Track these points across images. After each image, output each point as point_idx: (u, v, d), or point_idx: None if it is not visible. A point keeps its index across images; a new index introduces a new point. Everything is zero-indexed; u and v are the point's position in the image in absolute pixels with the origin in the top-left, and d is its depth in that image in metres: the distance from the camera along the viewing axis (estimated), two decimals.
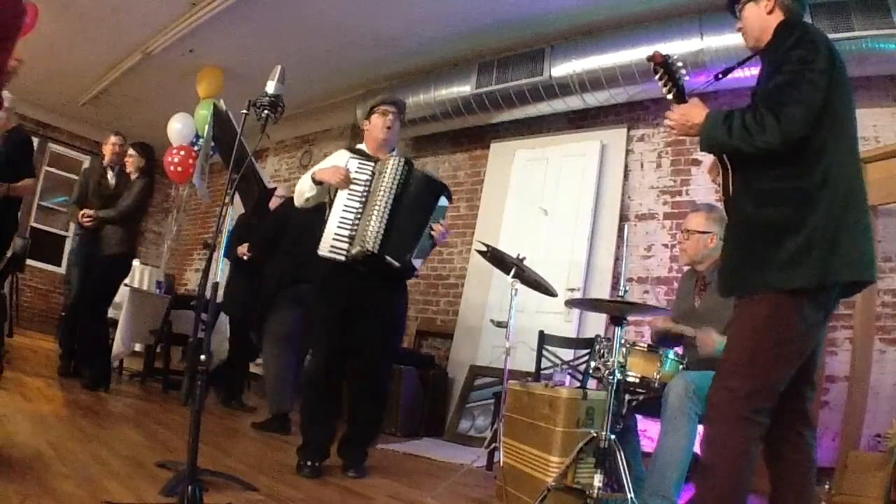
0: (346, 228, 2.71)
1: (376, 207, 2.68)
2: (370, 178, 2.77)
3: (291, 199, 3.91)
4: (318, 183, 2.77)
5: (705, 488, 1.65)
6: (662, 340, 2.66)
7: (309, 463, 2.64)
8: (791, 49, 1.65)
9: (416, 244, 2.79)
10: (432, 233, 2.83)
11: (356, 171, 2.78)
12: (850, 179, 1.66)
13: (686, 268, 2.90)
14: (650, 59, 1.85)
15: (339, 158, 2.88)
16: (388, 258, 2.67)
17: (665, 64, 1.84)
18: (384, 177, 2.73)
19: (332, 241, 2.71)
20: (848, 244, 1.59)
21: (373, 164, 2.80)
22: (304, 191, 2.83)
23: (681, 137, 1.82)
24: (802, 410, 1.75)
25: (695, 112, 1.76)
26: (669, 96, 1.86)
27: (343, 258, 2.69)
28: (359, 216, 2.72)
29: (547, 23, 4.69)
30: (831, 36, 3.40)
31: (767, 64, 1.74)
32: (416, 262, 2.83)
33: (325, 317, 2.77)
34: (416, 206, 2.77)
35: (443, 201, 2.90)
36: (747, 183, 1.73)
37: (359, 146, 2.96)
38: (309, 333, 2.98)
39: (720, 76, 2.02)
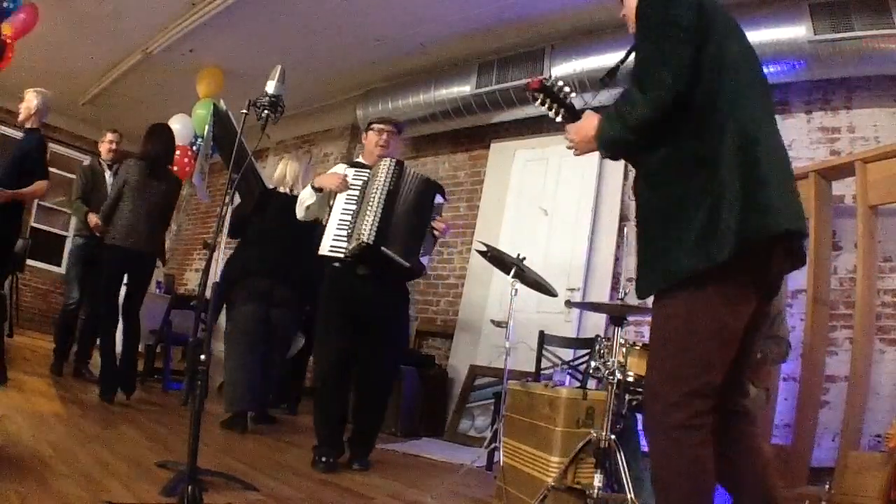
0: (345, 228, 2.87)
1: (370, 204, 2.83)
2: (366, 182, 2.94)
3: (274, 190, 3.90)
4: (317, 190, 2.96)
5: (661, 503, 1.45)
6: None
7: (324, 459, 2.78)
8: (648, 16, 1.50)
9: (421, 243, 2.95)
10: (434, 232, 3.00)
11: (353, 178, 2.97)
12: (755, 127, 1.45)
13: None
14: (527, 87, 1.71)
15: (338, 170, 3.08)
16: (384, 250, 2.79)
17: (543, 88, 1.70)
18: (377, 177, 2.90)
19: (331, 240, 2.87)
20: (766, 196, 1.37)
21: (368, 170, 2.98)
22: (304, 199, 3.01)
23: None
24: (729, 409, 1.56)
25: (588, 124, 1.60)
26: (559, 119, 1.72)
27: (342, 255, 2.83)
28: (356, 216, 2.87)
29: (547, 23, 4.69)
30: (831, 36, 3.46)
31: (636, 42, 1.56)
32: (424, 260, 2.98)
33: (333, 322, 2.91)
34: (412, 204, 2.92)
35: (438, 199, 3.05)
36: (640, 168, 1.56)
37: (357, 160, 3.17)
38: (315, 335, 3.08)
39: (606, 80, 1.88)
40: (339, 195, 2.94)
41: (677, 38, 1.42)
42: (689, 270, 1.39)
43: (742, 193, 1.36)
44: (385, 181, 2.86)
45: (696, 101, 1.43)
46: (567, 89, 1.72)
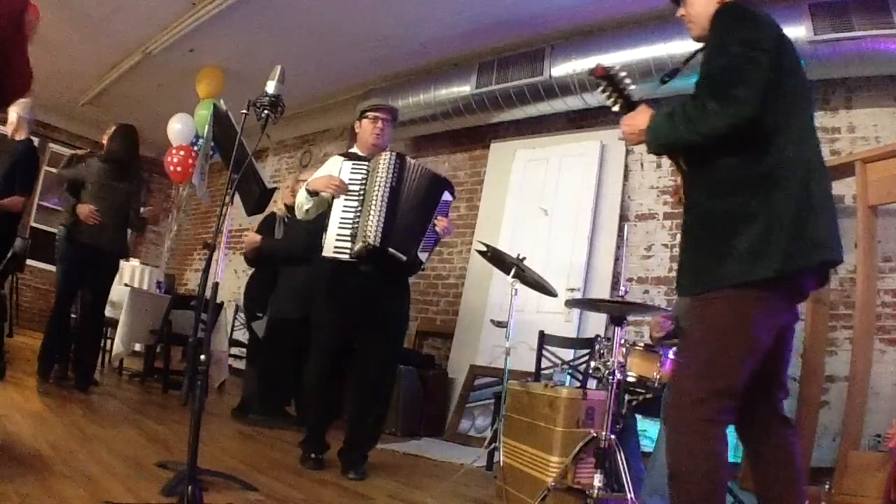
0: (348, 228, 2.77)
1: (374, 203, 2.72)
2: (365, 177, 2.82)
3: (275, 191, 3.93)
4: (313, 194, 2.84)
5: (677, 498, 1.52)
6: (663, 340, 2.66)
7: (313, 455, 2.78)
8: (731, 30, 1.56)
9: (421, 238, 2.84)
10: (436, 227, 2.87)
11: (351, 173, 2.85)
12: (809, 160, 1.56)
13: None
14: (591, 73, 1.77)
15: (333, 165, 2.95)
16: (391, 250, 2.71)
17: (607, 76, 1.75)
18: (378, 173, 2.77)
19: (335, 241, 2.77)
20: (812, 226, 1.49)
21: (367, 163, 2.86)
22: (301, 203, 2.91)
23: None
24: (775, 411, 1.66)
25: (641, 118, 1.69)
26: (615, 108, 1.78)
27: (347, 256, 2.74)
28: (358, 214, 2.77)
29: (547, 23, 4.69)
30: (831, 36, 3.46)
31: (708, 50, 1.63)
32: (422, 256, 2.87)
33: (330, 318, 2.83)
34: (417, 199, 2.82)
35: (447, 196, 2.94)
36: (701, 177, 1.64)
37: (351, 150, 3.06)
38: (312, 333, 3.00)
39: (666, 79, 1.93)
40: None
41: (759, 60, 1.49)
42: (735, 279, 1.49)
43: (795, 221, 1.48)
44: (387, 177, 2.75)
45: (764, 124, 1.51)
46: (628, 80, 1.77)
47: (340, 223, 2.78)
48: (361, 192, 2.80)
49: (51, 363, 3.95)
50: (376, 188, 2.74)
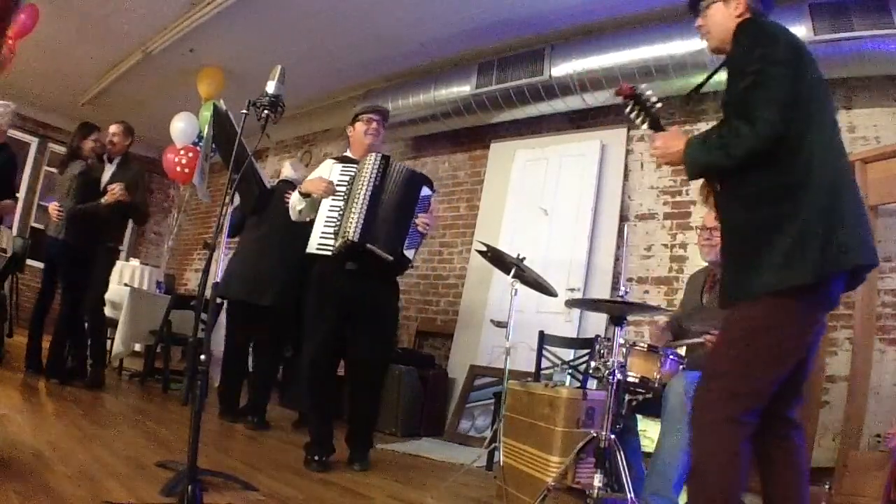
0: (332, 226, 2.87)
1: (356, 201, 2.82)
2: (353, 178, 2.92)
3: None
4: (305, 196, 2.95)
5: (696, 494, 1.60)
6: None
7: (317, 458, 2.79)
8: (750, 48, 1.61)
9: (405, 235, 2.91)
10: (418, 226, 2.93)
11: (340, 175, 2.95)
12: (835, 166, 1.61)
13: (697, 268, 2.91)
14: (618, 92, 1.82)
15: (324, 168, 3.07)
16: (370, 247, 2.78)
17: (634, 96, 1.80)
18: (363, 173, 2.87)
19: (318, 238, 2.88)
20: (843, 232, 1.53)
21: (356, 166, 2.96)
22: (294, 204, 3.02)
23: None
24: (787, 417, 1.71)
25: (674, 141, 1.73)
26: (644, 126, 1.83)
27: (329, 253, 2.83)
28: (342, 213, 2.86)
29: (547, 23, 4.69)
30: (831, 36, 3.46)
31: (730, 69, 1.70)
32: (409, 254, 2.95)
33: (320, 314, 2.90)
34: (398, 198, 2.90)
35: (425, 191, 3.01)
36: (732, 192, 1.70)
37: (345, 154, 3.16)
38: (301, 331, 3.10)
39: (693, 94, 2.01)
40: None
41: (782, 76, 1.55)
42: (770, 287, 1.55)
43: (825, 229, 1.52)
44: (370, 177, 2.84)
45: (789, 135, 1.55)
46: (654, 99, 1.81)
47: (325, 222, 2.89)
48: (347, 194, 2.89)
49: (37, 360, 4.15)
50: (360, 188, 2.84)
